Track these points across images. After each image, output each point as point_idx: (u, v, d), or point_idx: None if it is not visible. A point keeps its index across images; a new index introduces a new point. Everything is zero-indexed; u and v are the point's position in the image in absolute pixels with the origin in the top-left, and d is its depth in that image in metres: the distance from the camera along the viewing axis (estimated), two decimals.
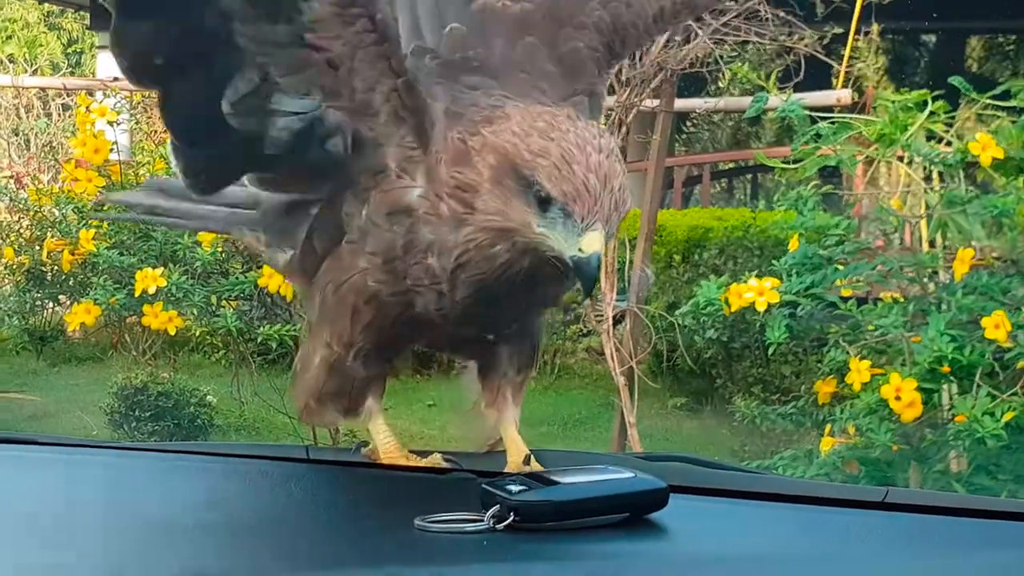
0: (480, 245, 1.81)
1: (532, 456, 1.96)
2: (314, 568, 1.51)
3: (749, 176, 20.35)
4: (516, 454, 1.98)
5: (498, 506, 1.60)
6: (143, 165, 6.70)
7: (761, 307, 4.64)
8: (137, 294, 5.68)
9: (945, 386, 4.50)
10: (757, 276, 4.77)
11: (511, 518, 1.59)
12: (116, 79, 12.52)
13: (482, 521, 1.60)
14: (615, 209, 1.77)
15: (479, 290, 1.84)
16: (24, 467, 2.02)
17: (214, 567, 1.55)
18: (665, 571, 1.48)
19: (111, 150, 6.05)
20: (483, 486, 1.64)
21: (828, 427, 4.62)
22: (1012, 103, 4.79)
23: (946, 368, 4.29)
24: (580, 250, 1.76)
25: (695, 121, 18.22)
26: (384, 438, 2.00)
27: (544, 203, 1.76)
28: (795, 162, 4.93)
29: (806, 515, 1.70)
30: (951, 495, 2.51)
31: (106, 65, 14.36)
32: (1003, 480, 4.28)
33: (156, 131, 9.32)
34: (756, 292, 4.66)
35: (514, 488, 1.62)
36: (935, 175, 4.98)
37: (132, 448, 2.26)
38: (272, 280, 5.59)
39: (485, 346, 2.04)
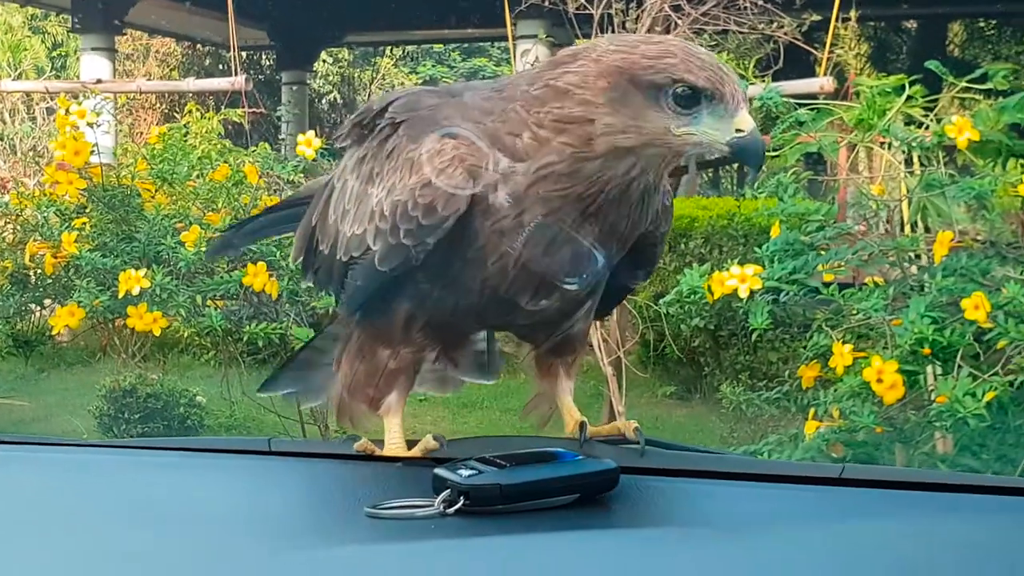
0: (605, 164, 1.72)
1: (587, 423, 1.98)
2: (260, 556, 1.51)
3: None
4: (571, 423, 2.01)
5: (448, 491, 1.60)
6: (125, 167, 6.67)
7: (744, 294, 4.63)
8: (121, 296, 5.65)
9: (929, 368, 4.50)
10: (740, 263, 4.76)
11: (461, 502, 1.59)
12: (99, 81, 12.55)
13: (432, 506, 1.60)
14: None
15: (552, 219, 1.75)
16: None
17: (167, 559, 1.54)
18: (614, 548, 1.48)
19: (92, 152, 6.03)
20: (435, 471, 1.64)
21: (812, 411, 4.61)
22: (990, 86, 4.80)
23: (927, 350, 4.29)
24: (739, 130, 1.71)
25: None
26: (392, 435, 1.97)
27: (687, 100, 1.69)
28: (776, 150, 4.93)
29: (761, 491, 1.69)
30: (906, 470, 2.52)
31: (90, 68, 14.35)
32: (987, 460, 4.28)
33: (139, 132, 9.30)
34: (738, 279, 4.65)
35: (464, 472, 1.62)
36: (916, 160, 4.98)
37: (94, 445, 2.26)
38: (257, 279, 5.58)
39: (534, 333, 2.03)
